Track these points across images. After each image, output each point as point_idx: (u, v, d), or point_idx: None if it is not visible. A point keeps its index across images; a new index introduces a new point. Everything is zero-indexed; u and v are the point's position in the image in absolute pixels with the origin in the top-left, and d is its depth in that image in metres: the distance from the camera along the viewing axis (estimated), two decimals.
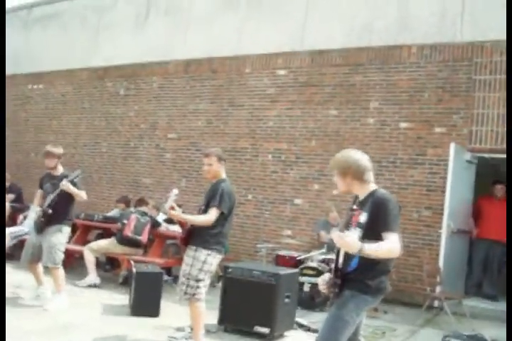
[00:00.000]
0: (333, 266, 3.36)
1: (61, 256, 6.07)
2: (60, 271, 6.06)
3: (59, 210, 5.98)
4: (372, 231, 3.12)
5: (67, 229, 6.22)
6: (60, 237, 6.06)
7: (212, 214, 4.77)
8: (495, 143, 7.56)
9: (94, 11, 11.91)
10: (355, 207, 3.29)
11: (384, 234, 3.10)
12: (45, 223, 5.99)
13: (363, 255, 3.01)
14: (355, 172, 3.32)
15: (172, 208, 4.78)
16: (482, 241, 8.07)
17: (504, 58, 7.55)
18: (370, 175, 3.36)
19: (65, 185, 5.89)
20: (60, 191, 5.93)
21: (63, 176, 6.08)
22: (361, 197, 3.36)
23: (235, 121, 9.64)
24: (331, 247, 7.03)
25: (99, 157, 11.27)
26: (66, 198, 6.03)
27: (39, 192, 6.41)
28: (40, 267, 6.25)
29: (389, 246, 3.08)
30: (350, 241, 2.99)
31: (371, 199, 3.26)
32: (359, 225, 3.20)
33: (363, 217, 3.21)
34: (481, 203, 8.22)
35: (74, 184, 6.00)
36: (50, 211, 5.93)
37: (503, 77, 7.53)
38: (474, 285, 8.10)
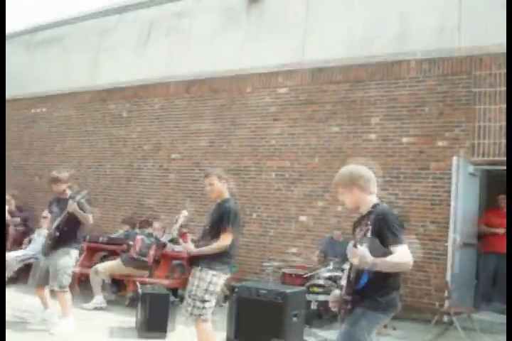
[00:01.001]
0: (343, 282, 3.35)
1: (68, 279, 5.99)
2: (67, 295, 5.99)
3: (66, 233, 5.91)
4: (378, 246, 3.12)
5: (75, 252, 6.14)
6: (67, 260, 5.99)
7: (227, 239, 4.75)
8: (497, 155, 7.56)
9: (95, 33, 12.06)
10: (368, 222, 3.27)
11: (392, 248, 3.10)
12: (52, 246, 5.93)
13: (376, 269, 3.00)
14: (361, 184, 3.34)
15: (181, 229, 4.79)
16: (490, 255, 7.97)
17: (503, 70, 7.58)
18: (375, 187, 3.40)
19: (71, 205, 5.81)
20: (67, 213, 5.88)
21: (70, 198, 6.02)
22: (364, 212, 3.36)
23: (238, 140, 9.67)
24: (338, 264, 7.02)
25: (103, 179, 11.30)
26: (73, 221, 5.96)
27: (49, 216, 6.38)
28: (46, 291, 6.19)
29: (400, 259, 3.08)
30: (362, 255, 2.98)
31: (373, 214, 3.26)
32: (365, 241, 3.20)
33: (367, 233, 3.20)
34: (488, 215, 8.15)
35: (80, 205, 5.93)
36: (58, 233, 5.88)
37: (503, 89, 7.56)
38: (484, 299, 8.01)
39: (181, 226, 4.81)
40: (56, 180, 6.14)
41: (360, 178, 3.35)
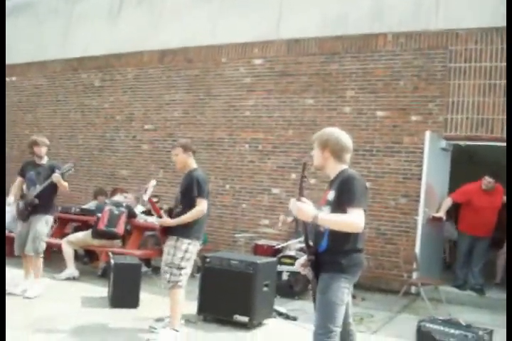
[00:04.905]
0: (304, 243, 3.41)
1: (44, 245, 6.21)
2: (41, 260, 6.22)
3: (44, 200, 6.11)
4: (340, 208, 3.18)
5: (51, 220, 6.39)
6: (44, 227, 6.21)
7: (202, 204, 4.88)
8: (470, 131, 7.64)
9: (67, 1, 11.74)
10: (332, 186, 3.34)
11: (348, 210, 3.13)
12: (31, 212, 6.11)
13: (317, 223, 3.08)
14: (333, 148, 3.39)
15: (150, 199, 4.82)
16: (466, 236, 7.68)
17: (479, 46, 7.62)
18: (347, 157, 3.43)
19: (58, 177, 6.00)
20: (50, 182, 6.04)
21: (50, 166, 6.21)
22: (332, 176, 3.42)
23: (212, 111, 9.60)
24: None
25: (75, 149, 11.15)
26: (52, 189, 6.18)
27: (19, 181, 6.39)
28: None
29: (346, 218, 3.11)
30: (304, 208, 3.04)
31: (340, 178, 3.32)
32: (327, 203, 3.30)
33: (331, 195, 3.29)
34: (472, 192, 7.58)
35: (62, 176, 6.12)
36: (37, 201, 6.05)
37: (478, 64, 7.61)
38: (462, 278, 7.76)
39: (151, 195, 4.82)
40: (38, 143, 6.26)
41: (337, 144, 3.40)
